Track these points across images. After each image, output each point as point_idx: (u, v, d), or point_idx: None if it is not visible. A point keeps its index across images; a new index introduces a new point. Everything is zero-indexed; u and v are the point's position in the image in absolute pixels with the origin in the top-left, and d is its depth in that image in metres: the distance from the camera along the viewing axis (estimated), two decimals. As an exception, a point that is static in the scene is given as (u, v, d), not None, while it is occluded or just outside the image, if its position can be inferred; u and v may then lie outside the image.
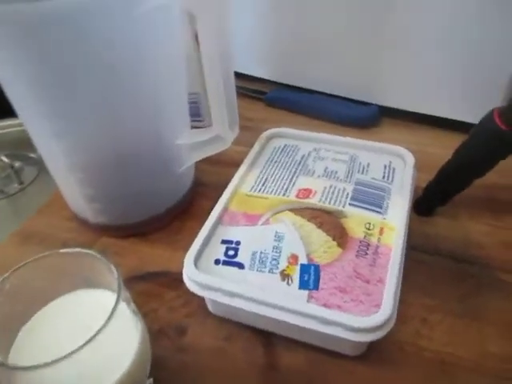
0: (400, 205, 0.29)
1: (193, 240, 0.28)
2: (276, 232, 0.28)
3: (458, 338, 0.27)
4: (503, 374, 0.25)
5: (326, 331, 0.23)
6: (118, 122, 0.29)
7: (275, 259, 0.26)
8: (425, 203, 0.35)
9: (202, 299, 0.30)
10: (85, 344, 0.19)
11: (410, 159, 0.33)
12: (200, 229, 0.29)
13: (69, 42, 0.24)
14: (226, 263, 0.27)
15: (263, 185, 0.32)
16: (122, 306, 0.21)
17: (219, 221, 0.29)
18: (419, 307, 0.29)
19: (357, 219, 0.28)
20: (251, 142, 0.37)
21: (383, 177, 0.32)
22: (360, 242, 0.27)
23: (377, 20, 0.42)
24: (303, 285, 0.25)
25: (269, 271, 0.26)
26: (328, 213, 0.29)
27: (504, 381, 0.25)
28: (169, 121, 0.32)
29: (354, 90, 0.47)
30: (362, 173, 0.32)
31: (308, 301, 0.24)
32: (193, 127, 0.35)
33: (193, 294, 0.30)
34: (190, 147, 0.33)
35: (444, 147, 0.43)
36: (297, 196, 0.30)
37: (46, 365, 0.18)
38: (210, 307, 0.29)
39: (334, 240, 0.27)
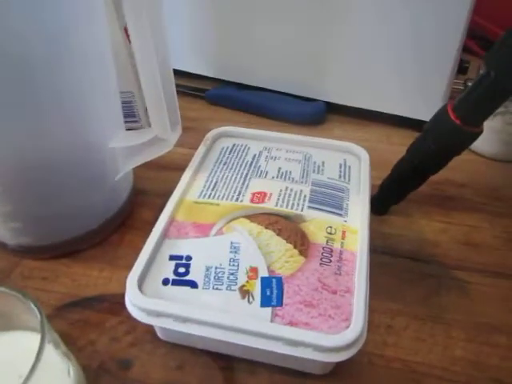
0: (360, 205, 0.27)
1: (135, 257, 0.24)
2: (231, 242, 0.25)
3: (425, 344, 0.26)
4: (474, 379, 0.25)
5: (294, 353, 0.20)
6: (37, 125, 0.25)
7: (232, 273, 0.23)
8: (380, 202, 0.33)
9: (148, 324, 0.26)
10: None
11: (365, 156, 0.31)
12: (143, 243, 0.25)
13: None
14: (176, 283, 0.23)
15: (213, 189, 0.29)
16: (49, 350, 0.17)
17: (165, 234, 0.26)
18: (383, 313, 0.28)
19: (317, 223, 0.26)
20: (195, 143, 0.33)
21: (339, 176, 0.30)
22: (323, 248, 0.25)
23: (322, 16, 0.40)
24: (266, 301, 0.22)
25: (226, 288, 0.23)
26: (286, 218, 0.26)
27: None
28: (98, 122, 0.27)
29: (299, 87, 0.45)
30: (318, 172, 0.30)
31: (272, 320, 0.21)
32: (127, 129, 0.31)
33: (136, 321, 0.27)
34: (126, 151, 0.29)
35: (392, 143, 0.42)
36: (251, 200, 0.28)
37: None
38: (158, 333, 0.25)
39: (295, 248, 0.25)
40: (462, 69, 0.41)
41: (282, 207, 0.27)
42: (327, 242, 0.25)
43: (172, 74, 0.27)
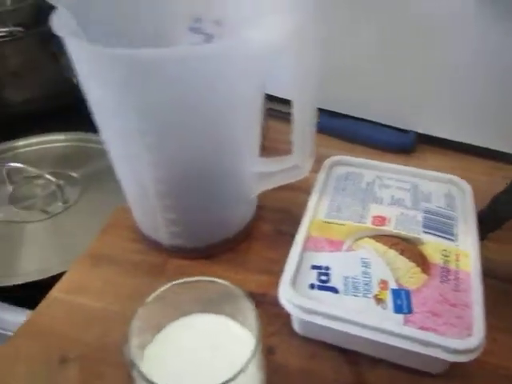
0: (469, 232, 0.32)
1: (261, 262, 0.30)
2: (361, 258, 0.30)
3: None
4: None
5: (426, 352, 0.25)
6: (201, 155, 0.31)
7: (366, 284, 0.29)
8: (478, 229, 0.37)
9: (284, 318, 0.32)
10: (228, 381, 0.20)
11: (468, 188, 0.36)
12: (266, 252, 0.30)
13: (171, 84, 0.26)
14: (320, 288, 0.29)
15: (337, 211, 0.34)
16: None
17: (305, 247, 0.31)
18: (488, 327, 0.32)
19: (433, 246, 0.31)
20: None
21: (447, 205, 0.34)
22: (441, 268, 0.29)
23: (415, 50, 0.45)
24: (398, 309, 0.27)
25: (363, 296, 0.28)
26: (406, 240, 0.31)
27: None
28: (245, 152, 0.34)
29: (391, 117, 0.50)
30: (427, 201, 0.35)
31: (404, 324, 0.26)
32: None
33: (274, 314, 0.32)
34: (265, 175, 0.35)
35: (481, 174, 0.46)
36: (373, 223, 0.33)
37: None
38: (296, 327, 0.31)
39: (417, 266, 0.30)
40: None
41: (401, 230, 0.32)
42: (444, 262, 0.30)
43: (314, 116, 0.33)
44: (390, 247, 0.31)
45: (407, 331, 0.26)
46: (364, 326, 0.26)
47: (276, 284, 0.30)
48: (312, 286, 0.29)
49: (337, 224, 0.33)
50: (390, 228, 0.32)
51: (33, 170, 0.51)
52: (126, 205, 0.41)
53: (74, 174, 0.55)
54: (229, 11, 0.31)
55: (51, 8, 0.78)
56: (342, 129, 0.51)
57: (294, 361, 0.30)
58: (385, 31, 0.45)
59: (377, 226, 0.33)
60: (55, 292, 0.35)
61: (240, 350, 0.24)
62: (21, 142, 0.60)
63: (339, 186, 0.37)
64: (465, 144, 0.47)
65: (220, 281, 0.24)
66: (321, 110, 0.53)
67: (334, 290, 0.28)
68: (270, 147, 0.42)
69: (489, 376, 0.29)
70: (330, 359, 0.30)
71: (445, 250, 0.31)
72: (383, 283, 0.29)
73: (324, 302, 0.28)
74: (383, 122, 0.50)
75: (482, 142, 0.46)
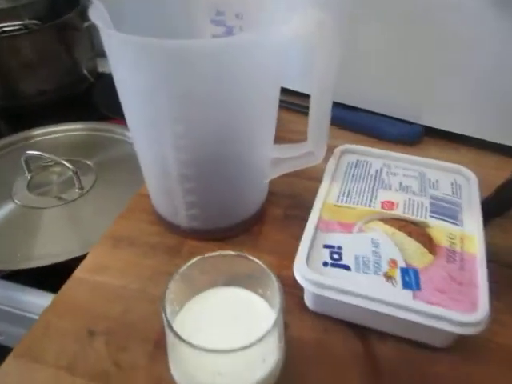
0: (474, 218, 0.34)
1: (273, 244, 0.31)
2: (372, 239, 0.32)
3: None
4: None
5: (434, 325, 0.27)
6: (222, 142, 0.33)
7: (377, 262, 0.30)
8: (482, 215, 0.39)
9: (296, 297, 0.34)
10: (253, 344, 0.22)
11: (474, 178, 0.37)
12: (277, 235, 0.32)
13: (206, 75, 0.28)
14: (333, 265, 0.30)
15: (347, 196, 0.36)
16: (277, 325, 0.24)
17: (317, 228, 0.33)
18: (494, 309, 0.33)
19: (439, 229, 0.33)
20: None
21: (453, 193, 0.36)
22: (447, 249, 0.31)
23: (423, 45, 0.46)
24: (407, 285, 0.29)
25: (373, 273, 0.30)
26: (414, 223, 0.33)
27: None
28: (262, 139, 0.36)
29: (400, 110, 0.52)
30: (434, 188, 0.37)
31: (413, 298, 0.28)
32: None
33: (285, 292, 0.34)
34: (280, 161, 0.37)
35: (483, 166, 0.47)
36: (382, 207, 0.35)
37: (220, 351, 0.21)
38: (308, 303, 0.33)
39: (424, 247, 0.31)
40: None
41: (409, 214, 0.34)
42: (450, 244, 0.32)
43: (330, 106, 0.34)
44: (399, 229, 0.33)
45: (416, 305, 0.28)
46: (375, 300, 0.28)
47: (286, 265, 0.31)
48: (325, 264, 0.31)
49: (347, 208, 0.35)
50: (398, 212, 0.34)
51: (50, 157, 0.53)
52: (143, 191, 0.43)
53: (89, 162, 0.57)
54: (249, 5, 0.32)
55: (66, 2, 0.80)
56: (351, 120, 0.53)
57: (307, 334, 0.32)
58: (394, 27, 0.47)
59: (386, 209, 0.34)
60: (79, 272, 0.37)
61: (260, 319, 0.26)
62: (37, 132, 0.62)
63: (349, 172, 0.39)
64: (469, 138, 0.49)
65: (244, 255, 0.25)
66: (334, 103, 0.56)
67: (346, 268, 0.30)
68: (280, 137, 0.44)
69: (490, 354, 0.31)
70: (341, 333, 0.32)
71: (451, 234, 0.32)
72: (392, 262, 0.30)
73: (337, 277, 0.30)
74: (391, 115, 0.52)
75: (488, 136, 0.48)
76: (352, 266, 0.30)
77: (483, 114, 0.47)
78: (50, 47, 0.71)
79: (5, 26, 0.70)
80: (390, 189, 0.37)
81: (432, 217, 0.34)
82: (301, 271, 0.30)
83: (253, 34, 0.29)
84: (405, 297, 0.28)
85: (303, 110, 0.56)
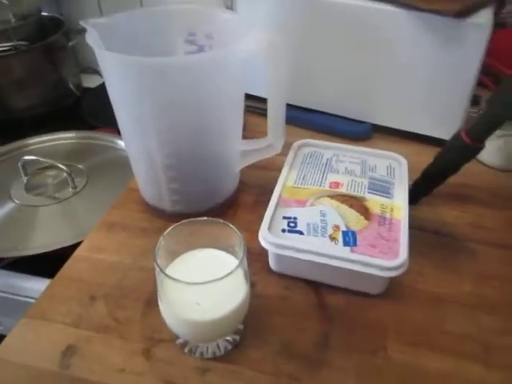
0: (402, 192, 0.42)
1: (245, 225, 0.38)
2: (320, 211, 0.40)
3: (444, 283, 0.40)
4: (475, 304, 0.38)
5: (366, 271, 0.35)
6: (200, 137, 0.41)
7: (324, 228, 0.38)
8: (412, 195, 0.48)
9: (262, 262, 0.41)
10: (223, 277, 0.29)
11: (404, 162, 0.46)
12: (249, 217, 0.39)
13: (182, 85, 0.36)
14: (290, 231, 0.38)
15: (303, 179, 0.44)
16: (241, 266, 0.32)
17: (278, 204, 0.41)
18: (415, 264, 0.41)
19: (374, 202, 0.41)
20: None
21: (387, 174, 0.45)
22: (379, 216, 0.39)
23: (367, 57, 0.55)
24: (346, 243, 0.37)
25: (321, 236, 0.38)
26: (354, 198, 0.41)
27: (475, 309, 0.38)
28: (232, 136, 0.43)
29: (350, 111, 0.60)
30: (372, 171, 0.45)
31: (351, 252, 0.36)
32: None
33: (253, 259, 0.42)
34: (247, 153, 0.44)
35: (419, 155, 0.56)
36: (330, 187, 0.43)
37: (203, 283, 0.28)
38: (272, 265, 0.40)
39: (361, 215, 0.39)
40: (476, 101, 0.55)
41: (351, 191, 0.42)
42: (381, 212, 0.40)
43: (284, 104, 0.42)
44: (342, 202, 0.41)
45: (353, 256, 0.35)
46: (322, 255, 0.36)
47: (254, 239, 0.38)
48: (283, 230, 0.38)
49: (302, 188, 0.43)
50: (342, 190, 0.42)
51: (45, 161, 0.59)
52: (133, 185, 0.50)
53: (81, 166, 0.64)
54: (217, 27, 0.40)
55: (52, 23, 0.87)
56: (308, 121, 0.61)
57: (272, 291, 0.40)
58: (344, 40, 0.55)
59: (333, 188, 0.42)
60: (79, 252, 0.44)
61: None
62: (32, 140, 0.68)
63: (305, 161, 0.47)
64: (409, 132, 0.58)
65: (218, 220, 0.33)
66: (291, 106, 0.64)
67: (300, 233, 0.38)
68: (248, 136, 0.51)
69: (417, 297, 0.39)
70: (300, 289, 0.40)
71: (383, 204, 0.41)
72: (336, 227, 0.38)
73: (293, 240, 0.37)
74: (344, 115, 0.61)
75: (423, 130, 0.57)
76: (304, 231, 0.38)
77: (417, 112, 0.56)
78: (38, 65, 0.77)
79: (-4, 48, 0.76)
80: (338, 173, 0.45)
81: (369, 192, 0.42)
82: (264, 236, 0.37)
83: (220, 51, 0.37)
84: (345, 251, 0.36)
85: (266, 113, 0.64)
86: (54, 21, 0.82)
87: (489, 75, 0.67)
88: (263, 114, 0.63)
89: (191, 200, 0.44)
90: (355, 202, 0.41)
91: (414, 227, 0.45)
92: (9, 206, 0.58)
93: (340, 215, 0.39)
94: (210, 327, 0.31)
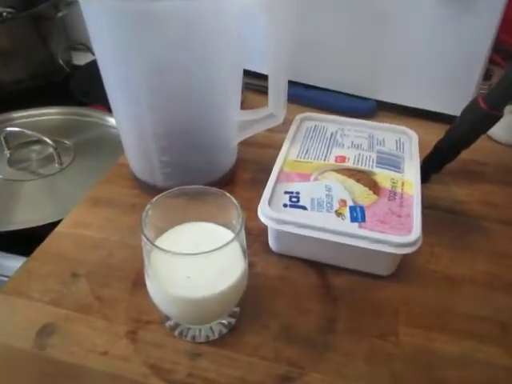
0: (413, 167, 0.39)
1: (243, 202, 0.35)
2: (325, 185, 0.37)
3: (457, 263, 0.37)
4: (490, 284, 0.36)
5: (375, 248, 0.32)
6: (193, 103, 0.37)
7: (329, 203, 0.35)
8: (422, 172, 0.44)
9: (261, 242, 0.38)
10: (217, 249, 0.26)
11: (415, 136, 0.43)
12: (247, 194, 0.36)
13: (173, 36, 0.32)
14: (292, 206, 0.35)
15: (306, 153, 0.40)
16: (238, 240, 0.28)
17: (278, 179, 0.37)
18: (427, 244, 0.38)
19: (384, 176, 0.38)
20: (274, 129, 0.44)
21: (397, 148, 0.41)
22: (389, 191, 0.36)
23: (374, 31, 0.52)
24: (353, 219, 0.34)
25: (326, 211, 0.34)
26: (362, 172, 0.38)
27: (490, 288, 0.35)
28: (229, 103, 0.40)
29: (355, 87, 0.57)
30: (381, 145, 0.42)
31: (359, 228, 0.33)
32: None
33: (252, 239, 0.38)
34: (245, 124, 0.41)
35: (428, 133, 0.53)
36: (335, 161, 0.39)
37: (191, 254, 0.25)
38: (272, 245, 0.37)
39: (370, 190, 0.36)
40: (487, 76, 0.52)
41: (358, 165, 0.39)
42: (392, 187, 0.37)
43: (287, 72, 0.39)
44: (349, 177, 0.37)
45: (361, 232, 0.32)
46: (327, 231, 0.33)
47: (253, 217, 0.35)
48: (285, 205, 0.35)
49: (305, 162, 0.39)
50: (349, 164, 0.39)
51: (31, 134, 0.55)
52: (123, 161, 0.46)
53: (68, 142, 0.60)
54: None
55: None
56: (311, 98, 0.58)
57: (271, 271, 0.36)
58: (349, 10, 0.52)
59: (338, 162, 0.39)
60: (60, 228, 0.40)
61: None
62: (17, 114, 0.64)
63: (308, 135, 0.43)
64: (416, 109, 0.55)
65: (214, 189, 0.30)
66: (294, 83, 0.60)
67: (303, 208, 0.35)
68: None
69: (429, 278, 0.36)
70: (301, 269, 0.36)
71: (393, 179, 0.37)
72: (342, 202, 0.35)
73: (294, 215, 0.34)
74: (347, 92, 0.57)
75: (431, 106, 0.54)
76: (308, 206, 0.35)
77: (427, 88, 0.53)
78: (25, 36, 0.73)
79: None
80: (343, 147, 0.41)
81: (378, 167, 0.39)
82: (263, 211, 0.34)
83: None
84: (352, 227, 0.33)
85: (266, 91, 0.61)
86: (43, -11, 0.77)
87: (499, 52, 0.64)
88: (263, 91, 0.61)
89: (184, 174, 0.41)
90: (363, 176, 0.38)
91: (425, 205, 0.42)
92: (-11, 181, 0.54)
93: (347, 190, 0.36)
94: (201, 306, 0.27)
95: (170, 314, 0.30)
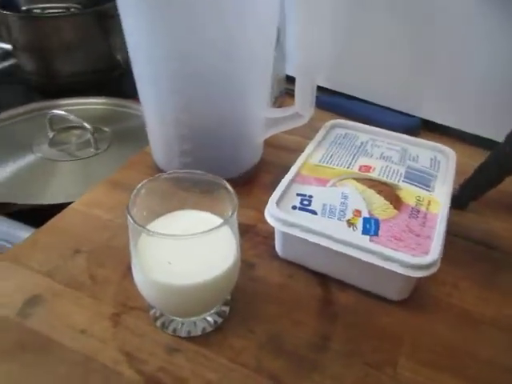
0: (445, 186, 0.35)
1: (258, 204, 0.33)
2: (342, 192, 0.34)
3: (482, 301, 0.33)
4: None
5: (385, 266, 0.29)
6: (220, 94, 0.36)
7: (342, 211, 0.32)
8: (460, 198, 0.40)
9: (268, 245, 0.36)
10: (200, 233, 0.24)
11: (452, 155, 0.39)
12: (265, 196, 0.34)
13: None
14: (301, 209, 0.33)
15: (330, 158, 0.38)
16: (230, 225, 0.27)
17: (293, 180, 0.35)
18: (453, 276, 0.34)
19: (409, 192, 0.34)
20: (305, 133, 0.43)
21: (430, 166, 0.38)
22: (412, 208, 0.33)
23: (425, 43, 0.49)
24: (365, 231, 0.31)
25: (337, 219, 0.32)
26: (385, 184, 0.35)
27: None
28: (257, 98, 0.39)
29: (399, 102, 0.54)
30: (413, 161, 0.38)
31: (370, 241, 0.30)
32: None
33: (258, 241, 0.36)
34: (272, 121, 0.39)
35: (471, 158, 0.48)
36: (359, 170, 0.36)
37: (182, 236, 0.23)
38: (278, 249, 0.35)
39: (390, 204, 0.33)
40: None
41: (382, 177, 0.36)
42: (416, 204, 0.33)
43: (316, 71, 0.37)
44: (369, 187, 0.34)
45: (371, 246, 0.29)
46: (333, 239, 0.30)
47: (265, 220, 0.33)
48: (294, 207, 0.33)
49: (327, 167, 0.37)
50: (373, 175, 0.36)
51: (72, 118, 0.58)
52: (148, 150, 0.46)
53: (106, 130, 0.62)
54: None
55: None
56: (353, 110, 0.55)
57: (274, 277, 0.34)
58: (395, 19, 0.49)
59: (362, 172, 0.36)
60: (75, 205, 0.41)
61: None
62: (64, 101, 0.67)
63: (336, 142, 0.41)
64: (466, 133, 0.50)
65: (211, 176, 0.28)
66: (335, 93, 0.58)
67: (313, 212, 0.32)
68: None
69: (446, 312, 0.32)
70: (305, 279, 0.34)
71: (419, 196, 0.34)
72: (357, 212, 0.32)
73: (302, 218, 0.32)
74: (391, 106, 0.54)
75: (479, 131, 0.49)
76: (318, 212, 0.32)
77: (480, 111, 0.49)
78: (88, 32, 0.77)
79: (50, 8, 0.77)
80: (371, 157, 0.38)
81: (404, 182, 0.35)
82: (270, 211, 0.32)
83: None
84: (362, 240, 0.30)
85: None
86: (109, -12, 0.82)
87: None
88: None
89: (203, 166, 0.40)
90: (385, 189, 0.34)
91: (457, 234, 0.38)
92: (29, 158, 0.57)
93: (365, 200, 0.33)
94: (181, 295, 0.26)
95: (149, 301, 0.29)
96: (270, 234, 0.36)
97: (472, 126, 0.50)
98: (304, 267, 0.34)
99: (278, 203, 0.33)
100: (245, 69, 0.36)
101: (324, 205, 0.33)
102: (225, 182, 0.28)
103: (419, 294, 0.33)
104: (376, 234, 0.30)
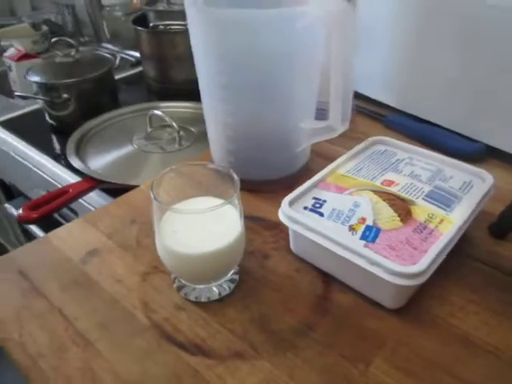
0: (465, 209, 0.35)
1: None
2: (355, 201, 0.36)
3: (487, 328, 0.32)
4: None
5: (372, 270, 0.30)
6: (264, 105, 0.42)
7: (348, 217, 0.35)
8: (499, 226, 0.39)
9: (286, 241, 0.40)
10: (214, 207, 0.30)
11: (489, 178, 0.38)
12: None
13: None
14: (311, 210, 0.36)
15: (358, 171, 0.40)
16: (234, 205, 0.32)
17: (315, 185, 0.39)
18: (462, 298, 0.34)
19: (423, 208, 0.35)
20: (350, 146, 0.45)
21: (460, 188, 0.37)
22: (420, 223, 0.34)
23: (494, 65, 0.47)
24: (364, 237, 0.33)
25: (341, 223, 0.34)
26: (401, 199, 0.36)
27: (516, 369, 0.29)
28: (300, 111, 0.43)
29: (463, 125, 0.52)
30: (443, 181, 0.38)
31: (364, 246, 0.32)
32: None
33: (281, 237, 0.40)
34: (309, 132, 0.43)
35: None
36: (381, 183, 0.38)
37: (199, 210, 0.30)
38: (291, 245, 0.38)
39: (398, 216, 0.34)
40: None
41: (402, 193, 0.37)
42: (425, 221, 0.34)
43: (351, 83, 0.40)
44: (384, 200, 0.36)
45: (362, 250, 0.31)
46: (329, 239, 0.33)
47: None
48: (305, 208, 0.36)
49: (351, 178, 0.39)
50: (393, 189, 0.37)
51: (165, 118, 0.68)
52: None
53: (192, 130, 0.71)
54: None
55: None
56: (413, 130, 0.55)
57: (281, 269, 0.38)
58: (465, 44, 0.49)
59: (383, 185, 0.38)
60: (143, 186, 0.50)
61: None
62: (163, 104, 0.80)
63: (371, 156, 0.43)
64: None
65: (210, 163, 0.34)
66: (398, 111, 0.59)
67: (320, 214, 0.35)
68: (347, 135, 0.48)
69: (442, 330, 0.32)
70: (311, 275, 0.37)
71: (432, 214, 0.34)
72: (362, 219, 0.34)
73: (308, 217, 0.35)
74: (454, 130, 0.53)
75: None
76: (326, 214, 0.35)
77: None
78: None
79: (172, 24, 0.91)
80: (399, 173, 0.40)
81: (424, 199, 0.36)
82: (282, 208, 0.36)
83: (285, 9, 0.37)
84: (356, 243, 0.32)
85: (378, 117, 0.60)
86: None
87: None
88: (372, 116, 0.61)
89: (244, 166, 0.45)
90: (399, 203, 0.36)
91: (488, 263, 0.37)
92: (128, 149, 0.69)
93: (373, 210, 0.35)
94: (186, 261, 0.32)
95: (164, 262, 0.35)
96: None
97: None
98: (312, 265, 0.37)
99: (292, 203, 0.37)
100: (290, 83, 0.40)
101: (333, 209, 0.36)
102: (231, 171, 0.33)
103: (419, 309, 0.33)
104: (373, 241, 0.32)
